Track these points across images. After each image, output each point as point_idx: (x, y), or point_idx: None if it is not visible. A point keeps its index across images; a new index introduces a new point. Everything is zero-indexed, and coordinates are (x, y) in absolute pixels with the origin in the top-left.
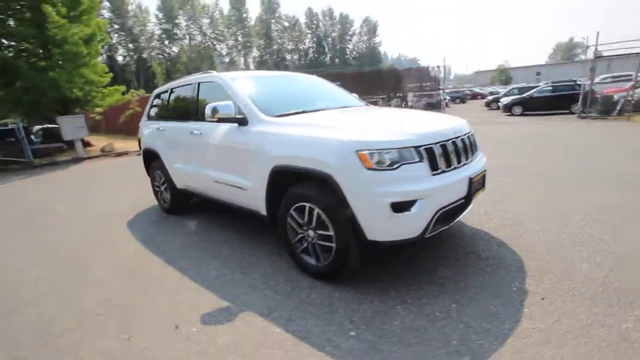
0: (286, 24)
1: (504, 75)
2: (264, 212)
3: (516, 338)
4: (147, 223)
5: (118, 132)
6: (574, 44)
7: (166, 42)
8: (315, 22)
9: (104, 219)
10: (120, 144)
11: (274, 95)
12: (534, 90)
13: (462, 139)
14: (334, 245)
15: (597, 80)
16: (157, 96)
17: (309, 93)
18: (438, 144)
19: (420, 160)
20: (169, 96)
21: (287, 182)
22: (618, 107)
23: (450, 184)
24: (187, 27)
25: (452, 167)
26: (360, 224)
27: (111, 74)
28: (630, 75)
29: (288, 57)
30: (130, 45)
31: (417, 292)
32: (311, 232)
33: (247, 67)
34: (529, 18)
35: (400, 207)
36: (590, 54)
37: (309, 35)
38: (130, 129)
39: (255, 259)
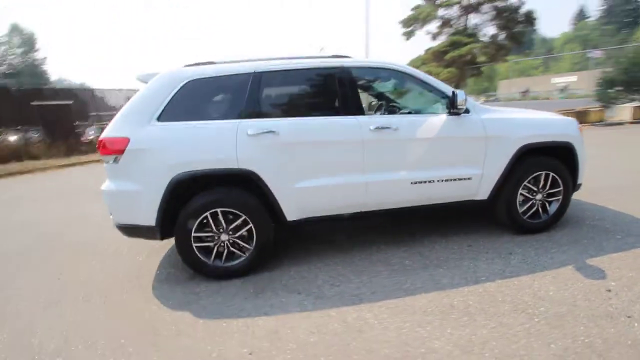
0: None
1: None
2: (483, 196)
3: None
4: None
5: None
6: None
7: None
8: None
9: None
10: None
11: None
12: None
13: None
14: (560, 198)
15: None
16: (201, 82)
17: None
18: None
19: None
20: (260, 83)
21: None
22: None
23: None
24: None
25: None
26: (578, 175)
27: None
28: None
29: None
30: None
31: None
32: (539, 196)
33: None
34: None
35: None
36: None
37: None
38: None
39: (473, 250)
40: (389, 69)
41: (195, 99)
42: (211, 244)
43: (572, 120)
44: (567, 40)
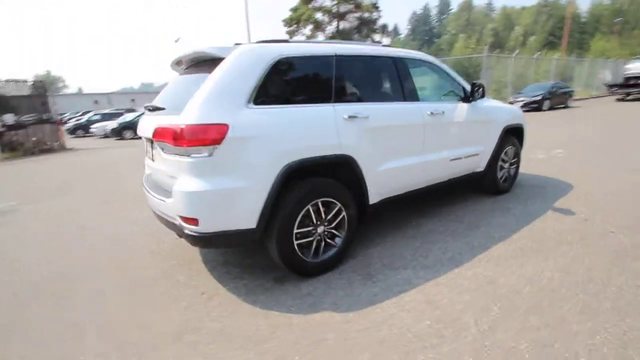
0: None
1: None
2: (482, 168)
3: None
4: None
5: None
6: (53, 78)
7: None
8: None
9: None
10: None
11: None
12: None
13: None
14: (516, 165)
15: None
16: (290, 61)
17: None
18: None
19: None
20: (343, 66)
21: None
22: None
23: None
24: None
25: None
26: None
27: None
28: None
29: None
30: None
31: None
32: (507, 164)
33: None
34: None
35: None
36: None
37: None
38: None
39: (486, 211)
40: (427, 61)
41: (285, 80)
42: (309, 239)
43: (519, 108)
44: None
